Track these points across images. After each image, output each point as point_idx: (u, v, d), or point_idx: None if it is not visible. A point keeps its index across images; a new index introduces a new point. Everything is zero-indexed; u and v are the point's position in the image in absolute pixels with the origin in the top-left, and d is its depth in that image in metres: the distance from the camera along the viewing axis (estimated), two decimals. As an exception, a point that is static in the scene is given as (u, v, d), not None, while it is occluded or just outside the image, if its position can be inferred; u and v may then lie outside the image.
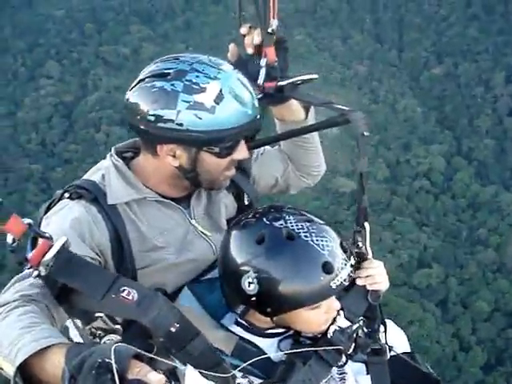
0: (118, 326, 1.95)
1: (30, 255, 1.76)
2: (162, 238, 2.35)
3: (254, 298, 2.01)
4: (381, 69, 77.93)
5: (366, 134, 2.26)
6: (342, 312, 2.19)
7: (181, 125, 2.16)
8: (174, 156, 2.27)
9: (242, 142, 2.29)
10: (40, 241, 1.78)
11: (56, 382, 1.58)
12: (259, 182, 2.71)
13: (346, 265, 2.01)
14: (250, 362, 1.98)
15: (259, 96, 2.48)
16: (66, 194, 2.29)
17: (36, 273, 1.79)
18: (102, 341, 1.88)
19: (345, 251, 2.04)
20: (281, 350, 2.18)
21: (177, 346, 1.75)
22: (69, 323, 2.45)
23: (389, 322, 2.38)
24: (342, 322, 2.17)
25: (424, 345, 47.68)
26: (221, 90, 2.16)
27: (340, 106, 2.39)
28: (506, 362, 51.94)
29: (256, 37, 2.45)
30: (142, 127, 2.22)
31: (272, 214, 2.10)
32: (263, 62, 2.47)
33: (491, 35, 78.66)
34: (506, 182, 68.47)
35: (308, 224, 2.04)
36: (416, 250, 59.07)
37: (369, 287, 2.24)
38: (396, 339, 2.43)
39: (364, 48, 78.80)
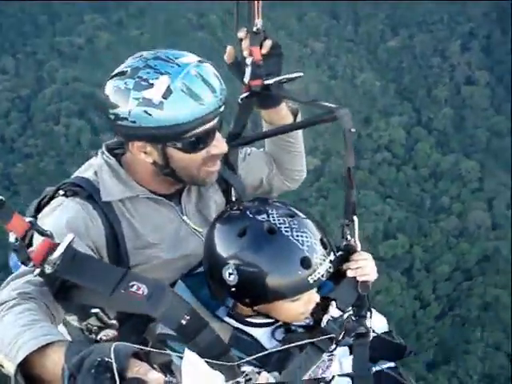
0: (113, 322, 1.95)
1: (32, 254, 1.74)
2: (154, 235, 2.37)
3: (233, 289, 2.07)
4: (337, 44, 78.33)
5: (352, 130, 2.31)
6: (334, 302, 2.26)
7: (134, 122, 2.17)
8: (145, 153, 2.28)
9: (218, 136, 2.30)
10: (38, 239, 1.78)
11: (56, 379, 1.58)
12: (245, 181, 2.73)
13: (324, 260, 2.06)
14: (254, 356, 2.03)
15: (246, 94, 2.57)
16: (61, 192, 2.29)
17: (38, 271, 1.77)
18: (98, 336, 1.85)
19: (325, 247, 2.08)
20: (275, 339, 2.24)
21: (186, 337, 1.77)
22: None
23: (373, 312, 2.46)
24: (334, 312, 2.25)
25: (389, 310, 49.14)
26: (169, 85, 2.14)
27: (326, 104, 2.43)
28: (456, 308, 55.86)
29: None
30: (110, 125, 2.27)
31: (256, 208, 2.15)
32: (249, 60, 2.52)
33: (445, 4, 79.24)
34: (465, 149, 69.70)
35: (290, 219, 2.08)
36: (381, 221, 60.20)
37: (359, 278, 2.31)
38: (376, 321, 2.50)
39: (319, 24, 78.95)
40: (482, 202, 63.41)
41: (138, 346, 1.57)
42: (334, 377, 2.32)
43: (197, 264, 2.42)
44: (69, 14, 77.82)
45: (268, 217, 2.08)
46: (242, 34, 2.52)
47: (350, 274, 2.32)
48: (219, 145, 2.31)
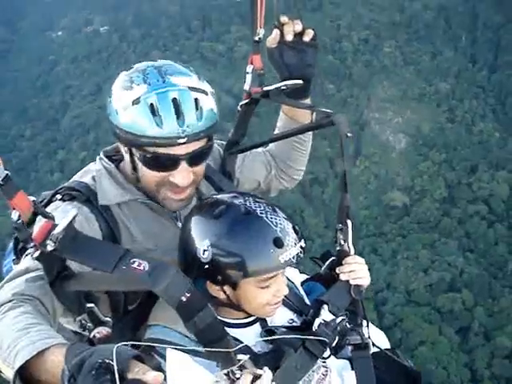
0: (107, 319, 1.92)
1: (34, 233, 1.76)
2: (150, 241, 2.32)
3: (207, 266, 2.05)
4: (465, 88, 76.55)
5: (349, 135, 2.30)
6: (326, 306, 2.24)
7: (109, 115, 2.21)
8: (125, 153, 2.28)
9: (182, 168, 2.22)
10: (39, 223, 1.80)
11: (56, 381, 1.57)
12: (243, 185, 2.73)
13: (295, 244, 2.07)
14: (237, 348, 1.85)
15: (245, 101, 2.61)
16: (58, 196, 2.27)
17: (37, 253, 1.79)
18: (92, 333, 1.83)
19: (297, 233, 2.10)
20: (262, 341, 2.20)
21: (186, 316, 1.80)
22: None
23: (370, 325, 2.42)
24: (327, 316, 2.22)
25: (429, 367, 47.34)
26: (141, 95, 2.13)
27: (324, 109, 2.43)
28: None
29: (296, 25, 2.53)
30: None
31: (233, 194, 2.20)
32: (249, 68, 2.57)
33: None
34: None
35: (265, 205, 2.12)
36: (450, 272, 58.57)
37: (352, 282, 2.29)
38: (377, 337, 2.47)
39: (452, 66, 77.66)
40: None
41: (136, 343, 1.60)
42: None
43: None
44: (220, 23, 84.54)
45: (245, 201, 2.12)
46: (284, 19, 2.53)
47: (342, 277, 2.29)
48: (179, 176, 2.22)
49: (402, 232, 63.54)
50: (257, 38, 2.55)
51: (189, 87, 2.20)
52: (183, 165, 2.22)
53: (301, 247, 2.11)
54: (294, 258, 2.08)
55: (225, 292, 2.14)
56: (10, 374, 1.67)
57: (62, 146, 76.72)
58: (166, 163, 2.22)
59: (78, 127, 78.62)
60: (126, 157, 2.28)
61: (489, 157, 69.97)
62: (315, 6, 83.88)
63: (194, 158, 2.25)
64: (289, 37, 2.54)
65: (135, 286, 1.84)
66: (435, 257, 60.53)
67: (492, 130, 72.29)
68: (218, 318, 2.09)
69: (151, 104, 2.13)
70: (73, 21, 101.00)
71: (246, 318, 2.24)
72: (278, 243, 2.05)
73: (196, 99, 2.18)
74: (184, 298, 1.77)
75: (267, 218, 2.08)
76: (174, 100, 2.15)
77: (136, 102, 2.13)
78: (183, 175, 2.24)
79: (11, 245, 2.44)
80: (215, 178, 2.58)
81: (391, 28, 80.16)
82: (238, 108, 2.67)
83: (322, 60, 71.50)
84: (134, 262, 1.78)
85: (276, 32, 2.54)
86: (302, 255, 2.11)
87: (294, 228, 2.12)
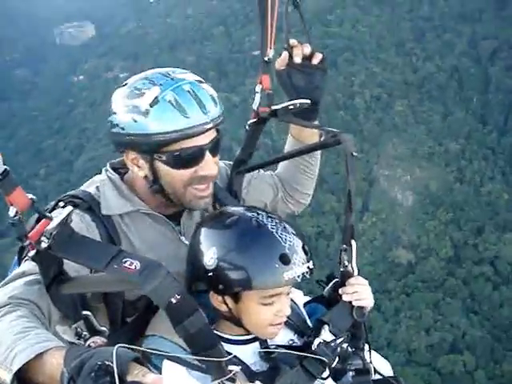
0: (103, 328, 1.93)
1: (30, 232, 1.77)
2: (151, 253, 2.29)
3: (210, 273, 2.06)
4: (475, 149, 76.66)
5: (355, 154, 2.29)
6: (326, 326, 2.23)
7: (123, 129, 2.20)
8: (138, 166, 2.30)
9: (208, 158, 2.27)
10: (33, 220, 1.84)
11: (54, 383, 1.58)
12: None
13: (303, 264, 2.07)
14: (228, 358, 1.90)
15: (253, 120, 2.65)
16: (61, 204, 2.27)
17: (33, 252, 1.81)
18: (87, 343, 1.84)
19: (306, 254, 2.10)
20: (260, 359, 2.20)
21: (175, 319, 1.79)
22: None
23: (373, 352, 2.41)
24: (327, 336, 2.21)
25: None
26: (158, 95, 2.17)
27: (330, 129, 2.46)
28: None
29: (305, 48, 2.61)
30: (107, 134, 2.32)
31: (248, 208, 2.25)
32: (258, 88, 2.59)
33: None
34: None
35: (277, 221, 2.14)
36: (452, 334, 57.62)
37: (354, 303, 2.28)
38: (380, 364, 2.46)
39: (463, 126, 78.02)
40: None
41: (135, 347, 1.64)
42: None
43: None
44: (235, 75, 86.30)
45: (257, 215, 2.14)
46: (293, 41, 2.59)
47: (345, 298, 2.28)
48: (207, 166, 2.28)
49: (405, 290, 62.86)
50: (266, 59, 2.58)
51: (195, 80, 2.30)
52: (208, 155, 2.29)
53: (308, 268, 2.11)
54: (299, 277, 2.08)
55: (227, 304, 2.15)
56: (7, 377, 1.68)
57: (74, 187, 77.34)
58: (194, 156, 2.26)
59: (92, 169, 78.87)
60: (145, 167, 2.30)
61: (496, 218, 69.54)
62: (330, 62, 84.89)
63: (215, 147, 2.32)
64: (297, 59, 2.62)
65: (126, 285, 1.84)
66: (438, 317, 59.73)
67: (501, 191, 71.97)
68: (218, 332, 2.18)
69: (170, 100, 2.19)
70: (94, 67, 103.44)
71: (246, 335, 2.23)
72: (285, 259, 2.06)
73: (206, 88, 2.29)
74: (174, 300, 1.76)
75: (277, 233, 2.10)
76: (190, 91, 2.23)
77: (154, 103, 2.18)
78: (210, 165, 2.31)
79: (16, 258, 2.41)
80: (220, 196, 2.59)
81: (404, 87, 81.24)
82: (246, 127, 2.70)
83: (334, 116, 72.56)
84: (126, 261, 1.78)
85: (285, 54, 2.63)
86: (308, 276, 2.11)
87: (303, 248, 2.13)
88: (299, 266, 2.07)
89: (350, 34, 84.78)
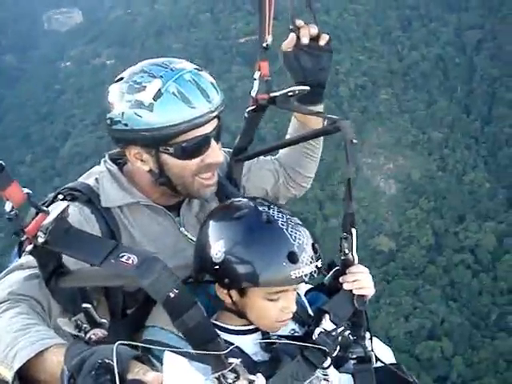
0: (103, 320, 1.86)
1: (27, 226, 1.75)
2: (151, 245, 2.31)
3: (217, 267, 2.04)
4: (458, 138, 77.26)
5: (354, 141, 2.24)
6: (327, 315, 2.19)
7: (126, 125, 2.17)
8: (142, 161, 2.27)
9: (213, 145, 2.26)
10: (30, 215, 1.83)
11: (55, 382, 1.57)
12: (250, 193, 2.69)
13: (311, 263, 2.04)
14: (228, 350, 1.82)
15: (252, 108, 2.61)
16: (60, 196, 2.26)
17: (30, 247, 1.80)
18: (87, 335, 1.75)
19: (315, 252, 2.07)
20: (261, 349, 2.17)
21: (174, 313, 1.76)
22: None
23: (375, 339, 2.38)
24: (328, 325, 2.18)
25: None
26: (160, 88, 2.14)
27: (329, 116, 2.41)
28: None
29: (312, 29, 2.57)
30: (107, 130, 2.27)
31: (259, 201, 2.19)
32: (257, 75, 2.56)
33: None
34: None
35: (288, 217, 2.09)
36: (431, 320, 58.28)
37: (355, 291, 2.24)
38: (382, 351, 2.45)
39: (447, 115, 78.53)
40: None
41: (133, 343, 1.61)
42: None
43: (191, 275, 2.28)
44: (222, 62, 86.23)
45: (268, 209, 2.10)
46: (299, 22, 2.55)
47: (346, 286, 2.25)
48: (214, 154, 2.27)
49: (386, 277, 63.48)
50: (264, 45, 2.57)
51: (194, 68, 2.27)
52: (213, 142, 2.27)
53: (316, 267, 2.08)
54: (306, 276, 2.05)
55: (231, 297, 2.13)
56: (8, 375, 1.67)
57: (59, 174, 77.76)
58: (201, 144, 2.24)
59: (77, 156, 79.75)
60: (150, 161, 2.28)
61: (478, 207, 70.28)
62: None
63: (218, 134, 2.30)
64: (304, 40, 2.59)
65: (124, 280, 1.82)
66: (417, 303, 60.42)
67: (483, 180, 72.69)
68: (219, 323, 2.19)
69: (173, 92, 2.15)
70: (82, 52, 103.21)
71: (247, 325, 2.21)
72: (293, 258, 2.03)
73: (205, 75, 2.27)
74: (172, 294, 1.72)
75: (287, 230, 2.06)
76: (191, 80, 2.20)
77: (158, 96, 2.15)
78: (217, 153, 2.29)
79: (16, 250, 2.37)
80: (224, 183, 2.57)
81: (389, 76, 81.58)
82: (245, 114, 2.68)
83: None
84: (124, 255, 1.74)
85: (292, 35, 2.60)
86: (316, 275, 2.09)
87: (313, 246, 2.10)
88: (307, 264, 2.05)
89: (336, 22, 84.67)
